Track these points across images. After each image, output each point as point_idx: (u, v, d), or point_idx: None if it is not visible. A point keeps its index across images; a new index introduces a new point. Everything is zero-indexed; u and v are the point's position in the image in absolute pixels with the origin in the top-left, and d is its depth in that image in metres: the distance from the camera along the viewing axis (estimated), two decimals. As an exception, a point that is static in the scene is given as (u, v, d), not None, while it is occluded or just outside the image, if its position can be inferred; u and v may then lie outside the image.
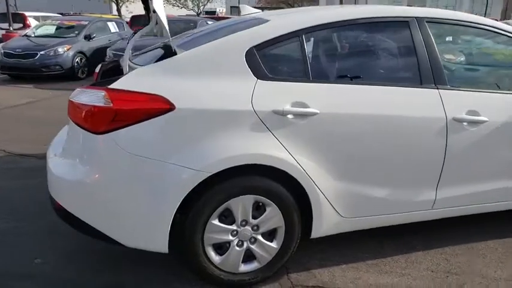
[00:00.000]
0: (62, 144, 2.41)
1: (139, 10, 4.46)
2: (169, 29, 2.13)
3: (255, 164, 2.10)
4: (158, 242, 2.11)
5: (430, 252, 2.66)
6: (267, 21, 2.32)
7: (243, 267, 2.27)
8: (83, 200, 2.08)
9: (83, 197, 2.08)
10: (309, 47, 2.27)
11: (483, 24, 2.61)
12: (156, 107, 1.99)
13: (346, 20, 2.35)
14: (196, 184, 2.03)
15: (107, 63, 3.22)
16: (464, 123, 2.42)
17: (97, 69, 3.24)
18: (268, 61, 2.19)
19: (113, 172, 2.03)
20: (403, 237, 2.78)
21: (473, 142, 2.47)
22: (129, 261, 2.49)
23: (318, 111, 2.16)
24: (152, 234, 2.10)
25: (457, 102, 2.43)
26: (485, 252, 2.67)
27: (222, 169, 2.05)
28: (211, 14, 40.14)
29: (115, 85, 2.03)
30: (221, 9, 56.56)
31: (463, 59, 2.70)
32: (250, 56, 2.16)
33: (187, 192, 2.03)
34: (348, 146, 2.26)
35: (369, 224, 2.48)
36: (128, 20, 15.02)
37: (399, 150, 2.36)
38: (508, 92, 2.60)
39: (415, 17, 2.46)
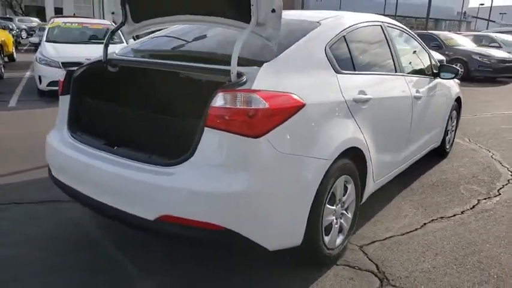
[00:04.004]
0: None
1: None
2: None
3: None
4: (298, 236, 2.17)
5: (397, 199, 3.55)
6: (318, 23, 2.60)
7: (337, 241, 2.54)
8: (246, 211, 1.91)
9: (247, 208, 1.91)
10: (352, 45, 2.70)
11: (408, 31, 3.69)
12: (295, 104, 2.04)
13: (370, 21, 2.95)
14: (325, 172, 2.20)
15: (77, 69, 2.67)
16: (416, 99, 3.39)
17: (61, 78, 2.67)
18: (335, 58, 2.50)
19: (273, 175, 1.96)
20: (381, 192, 3.53)
21: (419, 111, 3.48)
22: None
23: (372, 97, 2.65)
24: (295, 230, 2.15)
25: (411, 84, 3.37)
26: (425, 190, 3.77)
27: (338, 155, 2.28)
28: None
29: (256, 85, 1.94)
30: None
31: (404, 53, 3.66)
32: (327, 53, 2.43)
33: (320, 182, 2.18)
34: (381, 121, 2.83)
35: (379, 184, 3.13)
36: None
37: (398, 122, 3.12)
38: (426, 76, 3.76)
39: (383, 22, 3.25)
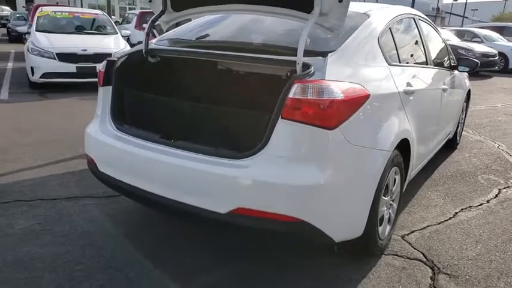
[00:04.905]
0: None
1: None
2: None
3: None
4: (361, 227, 2.18)
5: (423, 190, 3.62)
6: (366, 14, 2.59)
7: (386, 232, 2.57)
8: (321, 202, 1.90)
9: (321, 200, 1.90)
10: (395, 37, 2.71)
11: (432, 24, 3.73)
12: (363, 95, 2.04)
13: (406, 14, 2.96)
14: (385, 164, 2.21)
15: (117, 60, 2.58)
16: (443, 91, 3.45)
17: (101, 68, 2.58)
18: (385, 49, 2.51)
19: (345, 166, 1.96)
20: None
21: (445, 103, 3.55)
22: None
23: (416, 89, 2.68)
24: (359, 221, 2.16)
25: (439, 77, 3.43)
26: (446, 181, 3.85)
27: (395, 146, 2.30)
28: None
29: (328, 76, 1.93)
30: None
31: (431, 46, 3.70)
32: (380, 45, 2.43)
33: (381, 173, 2.19)
34: (420, 113, 2.87)
35: (413, 175, 3.18)
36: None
37: (432, 113, 3.18)
38: (447, 69, 3.81)
39: (414, 14, 3.28)
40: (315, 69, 1.97)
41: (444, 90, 3.47)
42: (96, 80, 7.51)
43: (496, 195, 3.56)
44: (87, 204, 3.05)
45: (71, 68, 7.04)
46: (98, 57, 7.21)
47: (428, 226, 2.95)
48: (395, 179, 2.56)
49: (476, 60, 4.01)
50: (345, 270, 2.37)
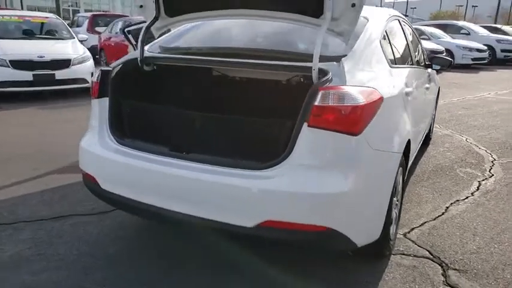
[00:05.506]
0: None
1: None
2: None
3: None
4: (379, 230, 2.18)
5: (410, 186, 3.72)
6: (365, 18, 2.60)
7: (393, 232, 2.60)
8: (349, 209, 1.88)
9: (349, 207, 1.88)
10: (390, 39, 2.75)
11: (410, 24, 3.84)
12: (378, 98, 2.04)
13: (393, 16, 3.02)
14: (398, 166, 2.24)
15: (113, 69, 2.42)
16: (426, 89, 3.57)
17: (95, 78, 2.43)
18: (386, 52, 2.54)
19: (369, 172, 1.95)
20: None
21: (427, 100, 3.69)
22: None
23: (412, 89, 2.74)
24: (378, 224, 2.16)
25: (422, 75, 3.54)
26: (430, 176, 3.99)
27: (404, 148, 2.33)
28: None
29: (349, 81, 1.91)
30: None
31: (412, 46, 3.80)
32: (382, 47, 2.46)
33: (395, 175, 2.22)
34: (415, 113, 2.93)
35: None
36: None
37: (421, 112, 3.28)
38: (424, 67, 3.93)
39: (398, 16, 3.35)
40: (332, 74, 1.95)
41: (427, 88, 3.59)
42: (55, 88, 7.19)
43: (478, 188, 3.73)
44: (77, 223, 2.85)
45: (27, 76, 6.59)
46: (56, 63, 6.84)
47: (425, 222, 3.02)
48: (399, 179, 2.60)
49: (450, 59, 4.19)
50: (360, 274, 2.37)
